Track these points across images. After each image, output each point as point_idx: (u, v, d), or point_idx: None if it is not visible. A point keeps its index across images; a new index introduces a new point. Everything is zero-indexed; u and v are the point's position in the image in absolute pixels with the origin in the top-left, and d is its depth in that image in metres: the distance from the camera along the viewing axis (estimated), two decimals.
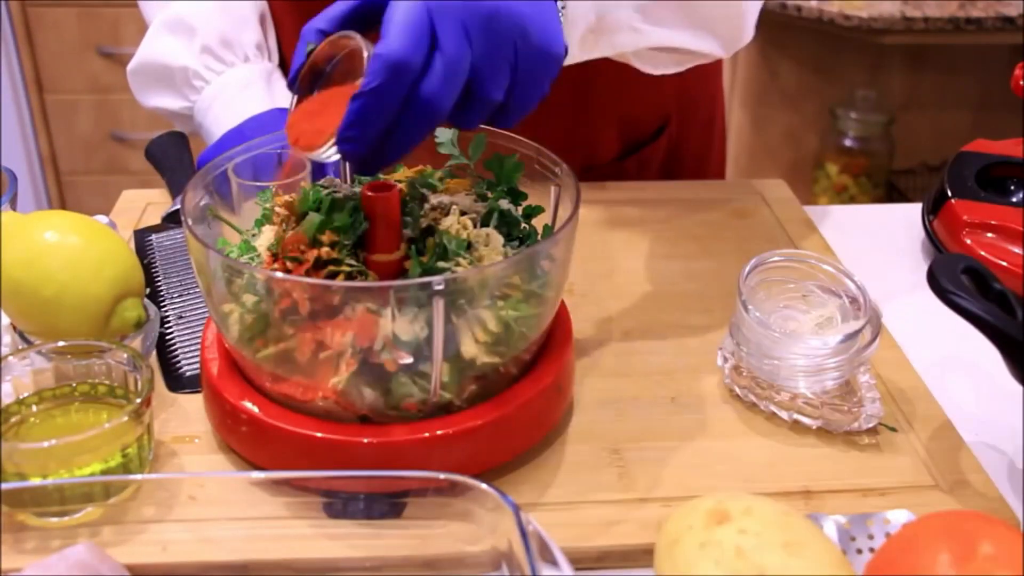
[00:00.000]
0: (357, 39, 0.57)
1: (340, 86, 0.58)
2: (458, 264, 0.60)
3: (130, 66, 0.97)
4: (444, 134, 0.68)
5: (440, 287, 0.55)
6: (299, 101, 0.60)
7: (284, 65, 1.00)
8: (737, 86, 2.36)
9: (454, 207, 0.64)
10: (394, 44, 0.53)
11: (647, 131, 1.03)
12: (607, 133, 1.00)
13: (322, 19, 0.59)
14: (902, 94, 2.37)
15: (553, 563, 0.49)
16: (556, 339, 0.66)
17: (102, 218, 0.84)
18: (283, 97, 0.94)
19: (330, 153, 0.57)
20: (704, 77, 1.07)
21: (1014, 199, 0.90)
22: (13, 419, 0.62)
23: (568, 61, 0.63)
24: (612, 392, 0.70)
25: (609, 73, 0.94)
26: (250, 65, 0.95)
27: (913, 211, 0.96)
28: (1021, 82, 0.89)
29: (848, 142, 2.33)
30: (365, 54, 0.56)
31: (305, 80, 0.59)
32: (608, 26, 0.70)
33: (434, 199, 0.65)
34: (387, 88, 0.54)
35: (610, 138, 1.00)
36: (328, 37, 0.58)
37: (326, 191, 0.63)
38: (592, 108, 0.97)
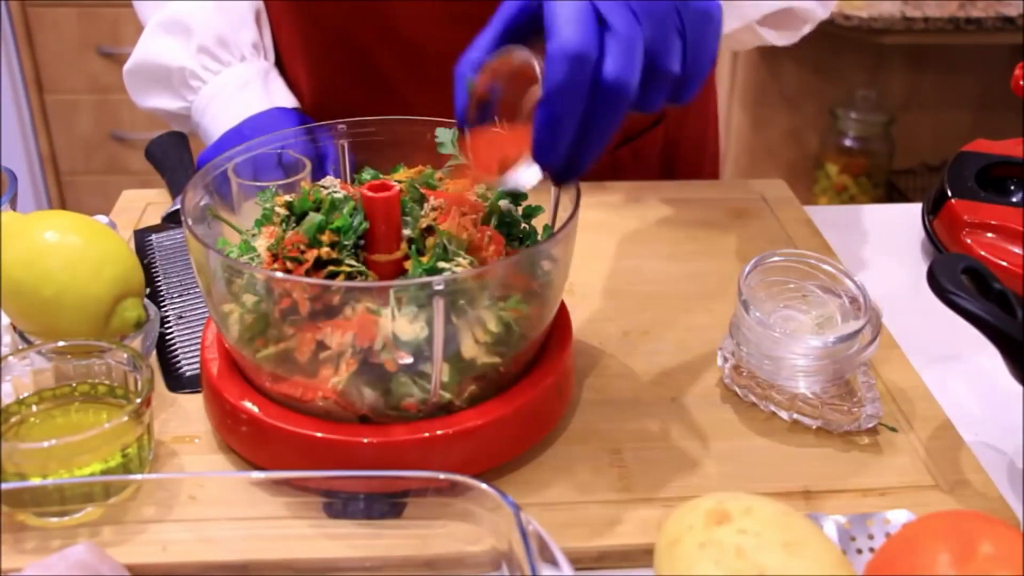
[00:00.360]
0: (520, 51, 0.54)
1: (514, 103, 0.56)
2: (458, 264, 0.60)
3: (126, 67, 0.97)
4: (444, 134, 0.68)
5: (440, 287, 0.55)
6: (472, 135, 0.58)
7: (280, 65, 1.00)
8: (737, 86, 2.36)
9: (454, 208, 0.64)
10: (567, 36, 0.52)
11: (641, 120, 1.03)
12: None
13: (475, 49, 0.58)
14: (902, 94, 2.37)
15: (553, 563, 0.49)
16: (556, 339, 0.66)
17: (102, 218, 0.84)
18: (281, 96, 0.94)
19: (528, 173, 0.56)
20: None
21: (1014, 199, 0.90)
22: (13, 419, 0.62)
23: None
24: (612, 392, 0.70)
25: None
26: (247, 64, 0.95)
27: (913, 211, 0.96)
28: (1021, 82, 0.89)
29: (848, 142, 2.33)
30: (535, 62, 0.53)
31: (472, 114, 0.57)
32: None
33: (434, 200, 0.65)
34: (572, 82, 0.52)
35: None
36: (487, 65, 0.57)
37: (326, 191, 0.64)
38: None
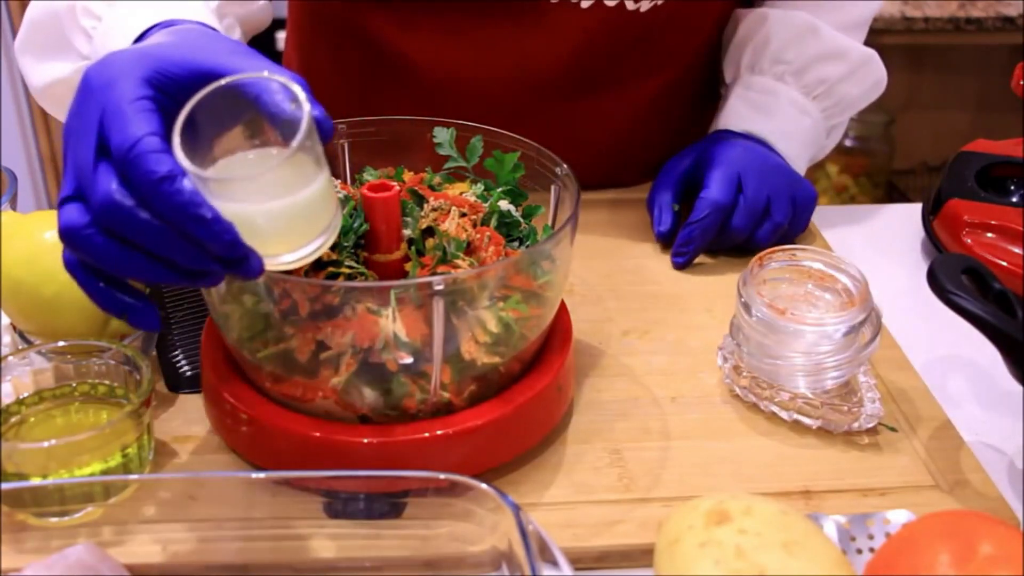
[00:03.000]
0: None
1: None
2: (457, 266, 0.60)
3: (16, 46, 0.79)
4: (442, 134, 0.69)
5: (440, 287, 0.55)
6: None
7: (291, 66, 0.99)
8: None
9: (454, 209, 0.64)
10: (716, 191, 0.84)
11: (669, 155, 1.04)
12: (632, 169, 0.99)
13: (662, 184, 0.90)
14: (902, 94, 2.36)
15: (553, 563, 0.49)
16: (556, 339, 0.66)
17: None
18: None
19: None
20: None
21: (1014, 199, 0.90)
22: (13, 419, 0.62)
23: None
24: (612, 392, 0.70)
25: (646, 123, 0.95)
26: None
27: (913, 211, 0.96)
28: (1021, 82, 0.89)
29: (848, 142, 2.33)
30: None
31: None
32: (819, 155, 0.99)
33: (434, 200, 0.65)
34: (711, 221, 0.83)
35: (635, 172, 0.99)
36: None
37: None
38: (624, 151, 0.97)
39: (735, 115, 0.92)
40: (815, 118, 0.93)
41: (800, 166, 0.92)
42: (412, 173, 0.69)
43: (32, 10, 0.77)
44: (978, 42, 2.12)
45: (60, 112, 0.78)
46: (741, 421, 0.68)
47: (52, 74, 0.78)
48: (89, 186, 0.49)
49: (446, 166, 0.69)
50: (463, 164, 0.68)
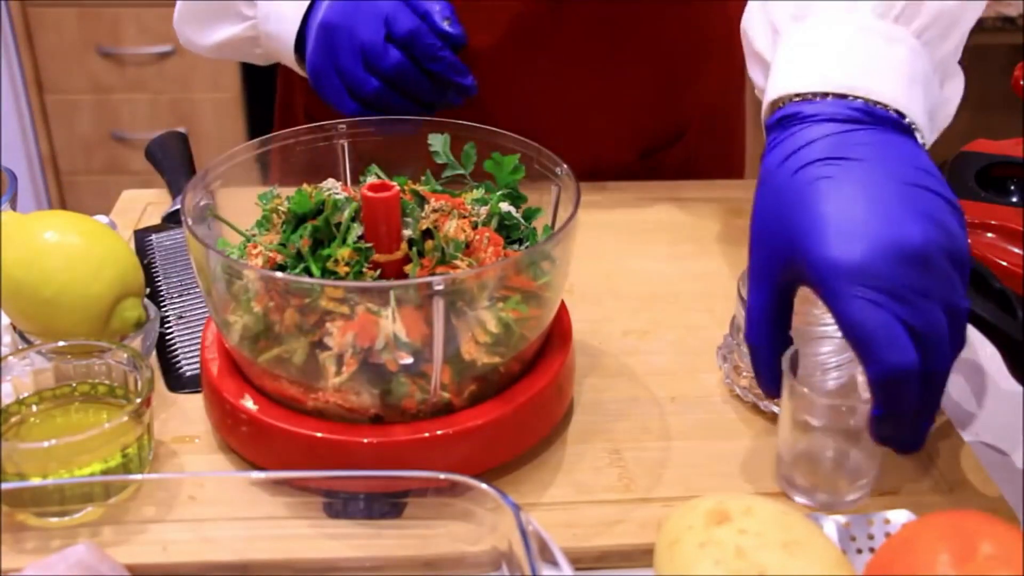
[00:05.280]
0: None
1: None
2: (456, 267, 0.60)
3: (176, 15, 0.94)
4: (436, 141, 0.69)
5: (440, 287, 0.55)
6: None
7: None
8: None
9: (454, 210, 0.64)
10: (887, 360, 0.52)
11: (663, 138, 1.03)
12: (619, 138, 0.99)
13: (751, 328, 0.60)
14: None
15: (553, 563, 0.49)
16: (556, 339, 0.66)
17: (102, 218, 0.84)
18: None
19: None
20: (726, 91, 1.06)
21: (1014, 199, 0.90)
22: (13, 419, 0.62)
23: None
24: (612, 392, 0.70)
25: (629, 81, 0.94)
26: None
27: None
28: (1021, 82, 0.89)
29: None
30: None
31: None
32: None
33: (435, 201, 0.65)
34: (901, 397, 0.53)
35: (622, 143, 0.99)
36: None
37: (327, 192, 0.64)
38: (607, 113, 0.97)
39: (786, 76, 0.60)
40: (910, 45, 0.61)
41: (927, 134, 0.60)
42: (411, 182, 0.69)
43: None
44: (978, 42, 2.11)
45: (237, 57, 0.97)
46: (741, 421, 0.68)
47: (222, 35, 0.93)
48: (381, 57, 0.82)
49: (444, 174, 0.69)
50: (461, 171, 0.69)
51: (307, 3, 0.86)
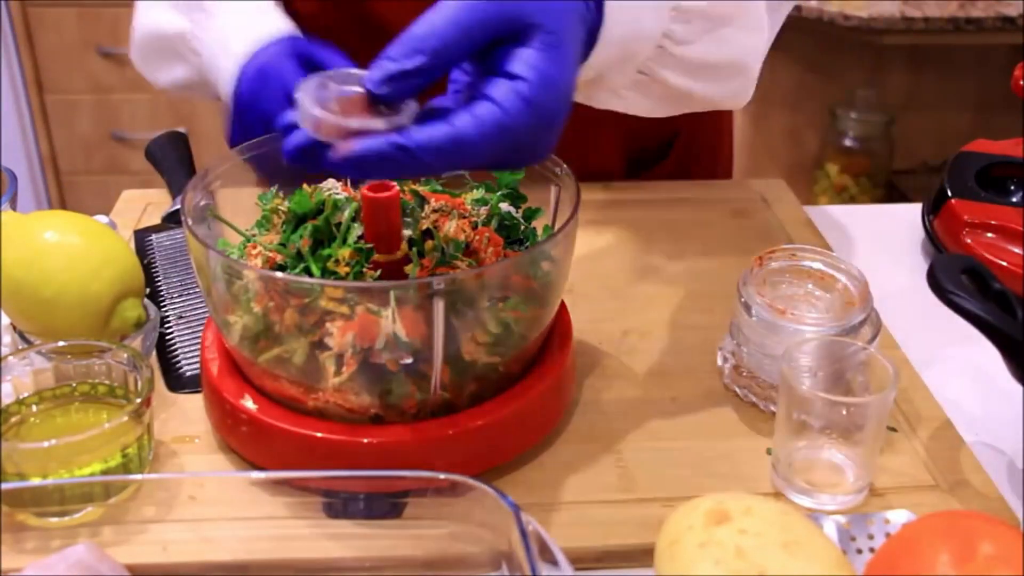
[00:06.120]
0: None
1: None
2: (456, 267, 0.60)
3: (132, 50, 0.93)
4: None
5: (440, 287, 0.55)
6: None
7: None
8: None
9: (454, 210, 0.64)
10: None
11: (652, 147, 1.02)
12: (608, 146, 0.98)
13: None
14: (902, 94, 2.37)
15: (553, 563, 0.49)
16: (556, 339, 0.66)
17: (102, 218, 0.84)
18: (281, 21, 0.82)
19: None
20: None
21: (1014, 199, 0.90)
22: (13, 419, 0.62)
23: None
24: (612, 392, 0.70)
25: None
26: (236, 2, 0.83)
27: (913, 211, 0.96)
28: (1021, 82, 0.89)
29: (848, 142, 2.33)
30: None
31: None
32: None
33: (435, 202, 0.65)
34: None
35: (612, 152, 0.99)
36: None
37: (327, 192, 0.64)
38: (594, 120, 0.96)
39: None
40: None
41: None
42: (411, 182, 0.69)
43: (142, 29, 0.93)
44: (978, 42, 2.11)
45: (189, 96, 0.93)
46: (741, 421, 0.68)
47: (173, 76, 0.91)
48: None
49: (444, 174, 0.69)
50: (460, 171, 0.69)
51: (241, 57, 0.78)
